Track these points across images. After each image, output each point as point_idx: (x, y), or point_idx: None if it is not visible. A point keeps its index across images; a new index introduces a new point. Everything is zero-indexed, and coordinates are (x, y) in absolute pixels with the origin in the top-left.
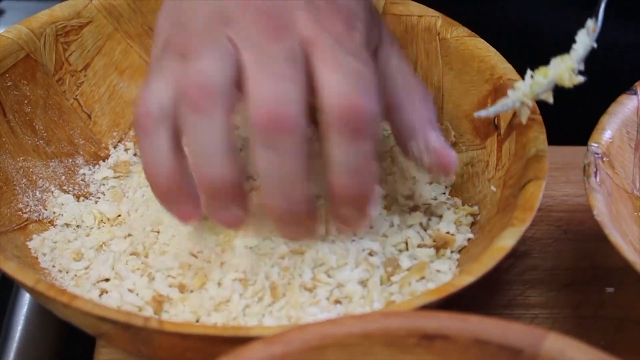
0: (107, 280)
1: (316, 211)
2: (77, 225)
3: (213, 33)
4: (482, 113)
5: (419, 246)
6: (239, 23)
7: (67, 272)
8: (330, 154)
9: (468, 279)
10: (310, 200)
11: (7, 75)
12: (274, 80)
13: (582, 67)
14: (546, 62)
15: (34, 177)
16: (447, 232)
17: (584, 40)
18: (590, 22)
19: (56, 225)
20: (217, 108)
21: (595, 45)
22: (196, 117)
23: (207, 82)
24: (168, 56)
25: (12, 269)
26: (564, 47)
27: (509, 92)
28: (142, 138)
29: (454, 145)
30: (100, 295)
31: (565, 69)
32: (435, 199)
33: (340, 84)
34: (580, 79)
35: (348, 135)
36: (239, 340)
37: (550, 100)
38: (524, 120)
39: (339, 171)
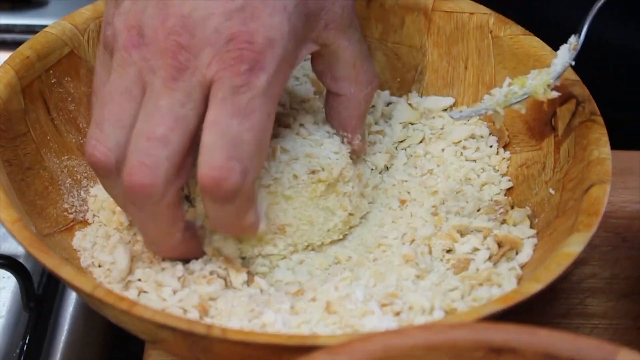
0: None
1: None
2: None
3: (129, 54)
4: (455, 115)
5: (475, 248)
6: (149, 46)
7: (100, 267)
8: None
9: (536, 286)
10: (175, 245)
11: (51, 71)
12: (147, 145)
13: (558, 83)
14: (595, 63)
15: (79, 177)
16: (514, 235)
17: (564, 56)
18: (573, 39)
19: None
20: None
21: (573, 63)
22: None
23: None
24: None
25: (70, 275)
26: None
27: (485, 96)
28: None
29: (507, 145)
30: (138, 295)
31: (541, 84)
32: (491, 199)
33: (215, 150)
34: (555, 94)
35: (215, 201)
36: (302, 349)
37: (523, 111)
38: (497, 125)
39: (213, 223)
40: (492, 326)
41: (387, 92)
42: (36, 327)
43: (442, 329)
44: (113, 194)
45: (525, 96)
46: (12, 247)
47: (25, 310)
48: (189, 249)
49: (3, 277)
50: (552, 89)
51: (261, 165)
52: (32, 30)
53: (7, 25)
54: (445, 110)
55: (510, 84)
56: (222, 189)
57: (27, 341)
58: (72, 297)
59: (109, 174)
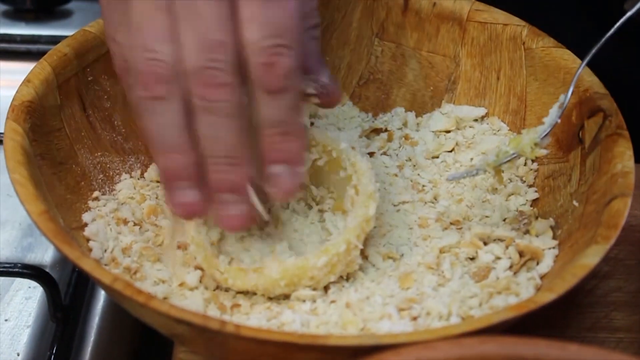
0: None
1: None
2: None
3: None
4: (450, 177)
5: (497, 257)
6: None
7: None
8: (258, 110)
9: (550, 296)
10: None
11: (88, 70)
12: (205, 48)
13: (548, 141)
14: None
15: (111, 173)
16: (535, 245)
17: (553, 114)
18: (561, 98)
19: (128, 222)
20: None
21: (559, 121)
22: None
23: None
24: None
25: (90, 266)
26: None
27: (480, 157)
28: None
29: (535, 157)
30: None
31: (528, 143)
32: (517, 210)
33: (257, 40)
34: (543, 152)
35: (268, 91)
36: (315, 348)
37: (513, 169)
38: (497, 180)
39: (266, 125)
40: (523, 341)
41: (401, 109)
42: (63, 337)
43: (473, 343)
44: (159, 123)
45: (514, 155)
46: (38, 257)
47: (52, 321)
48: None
49: (30, 287)
50: (543, 147)
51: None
52: (57, 40)
53: (33, 36)
54: (476, 120)
55: (507, 144)
56: (276, 71)
57: (54, 351)
58: (98, 307)
59: (169, 87)
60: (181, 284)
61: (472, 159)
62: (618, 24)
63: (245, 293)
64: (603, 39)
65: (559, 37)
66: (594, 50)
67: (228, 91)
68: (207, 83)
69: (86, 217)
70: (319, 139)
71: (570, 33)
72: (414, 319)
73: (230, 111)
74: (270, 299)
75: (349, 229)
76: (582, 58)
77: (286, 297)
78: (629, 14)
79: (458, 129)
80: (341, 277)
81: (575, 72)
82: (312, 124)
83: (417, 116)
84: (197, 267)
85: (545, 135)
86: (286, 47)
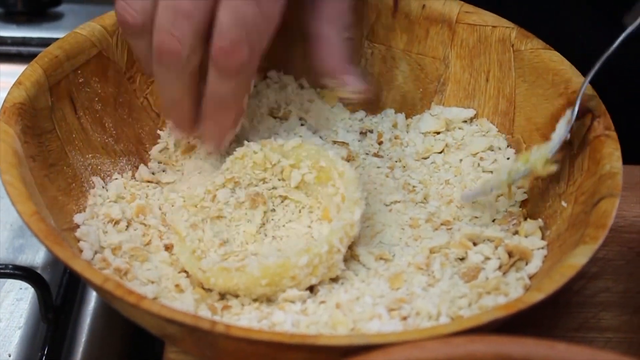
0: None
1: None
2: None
3: None
4: (464, 197)
5: (487, 257)
6: None
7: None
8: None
9: (538, 296)
10: (184, 113)
11: (79, 72)
12: (174, 19)
13: (558, 157)
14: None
15: (102, 175)
16: (524, 245)
17: (562, 130)
18: (568, 113)
19: (119, 222)
20: None
21: (569, 136)
22: None
23: None
24: None
25: (81, 267)
26: None
27: (492, 175)
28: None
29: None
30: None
31: (539, 159)
32: (506, 211)
33: (229, 29)
34: (554, 168)
35: (221, 74)
36: (305, 348)
37: (526, 186)
38: (509, 200)
39: (210, 102)
40: (511, 340)
41: (391, 111)
42: (54, 338)
43: (462, 342)
44: (136, 53)
45: (527, 172)
46: (29, 259)
47: (44, 322)
48: (192, 123)
49: (21, 289)
50: (553, 162)
51: (266, 45)
52: (48, 43)
53: (24, 38)
54: (465, 121)
55: (515, 160)
56: (231, 60)
57: (45, 352)
58: (89, 308)
59: (136, 33)
60: (177, 285)
61: (461, 160)
62: (619, 40)
63: (235, 296)
64: (604, 56)
65: (550, 39)
66: (596, 67)
67: (176, 58)
68: (163, 47)
69: (77, 218)
70: (307, 153)
71: (561, 34)
72: (404, 319)
73: (175, 66)
74: (260, 300)
75: (332, 231)
76: (576, 65)
77: (269, 300)
78: (629, 29)
79: (447, 131)
80: (331, 278)
81: (579, 88)
82: (302, 124)
83: (406, 118)
84: (183, 270)
85: (556, 151)
86: (247, 44)
